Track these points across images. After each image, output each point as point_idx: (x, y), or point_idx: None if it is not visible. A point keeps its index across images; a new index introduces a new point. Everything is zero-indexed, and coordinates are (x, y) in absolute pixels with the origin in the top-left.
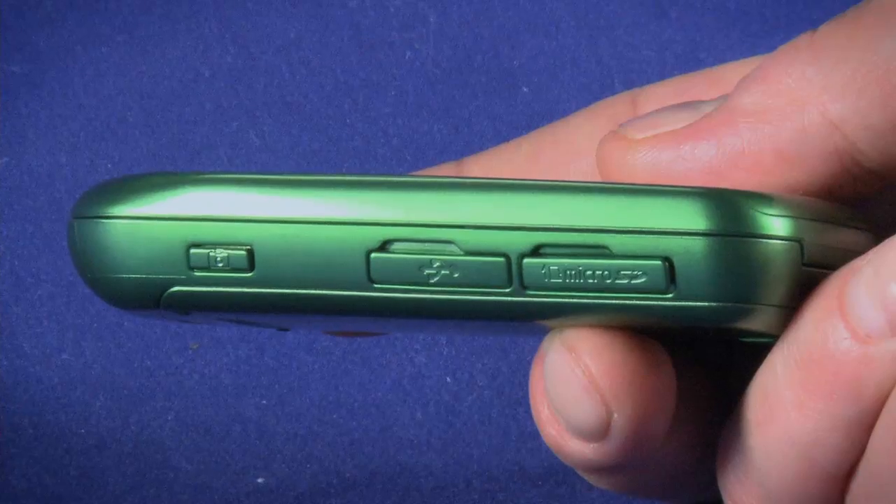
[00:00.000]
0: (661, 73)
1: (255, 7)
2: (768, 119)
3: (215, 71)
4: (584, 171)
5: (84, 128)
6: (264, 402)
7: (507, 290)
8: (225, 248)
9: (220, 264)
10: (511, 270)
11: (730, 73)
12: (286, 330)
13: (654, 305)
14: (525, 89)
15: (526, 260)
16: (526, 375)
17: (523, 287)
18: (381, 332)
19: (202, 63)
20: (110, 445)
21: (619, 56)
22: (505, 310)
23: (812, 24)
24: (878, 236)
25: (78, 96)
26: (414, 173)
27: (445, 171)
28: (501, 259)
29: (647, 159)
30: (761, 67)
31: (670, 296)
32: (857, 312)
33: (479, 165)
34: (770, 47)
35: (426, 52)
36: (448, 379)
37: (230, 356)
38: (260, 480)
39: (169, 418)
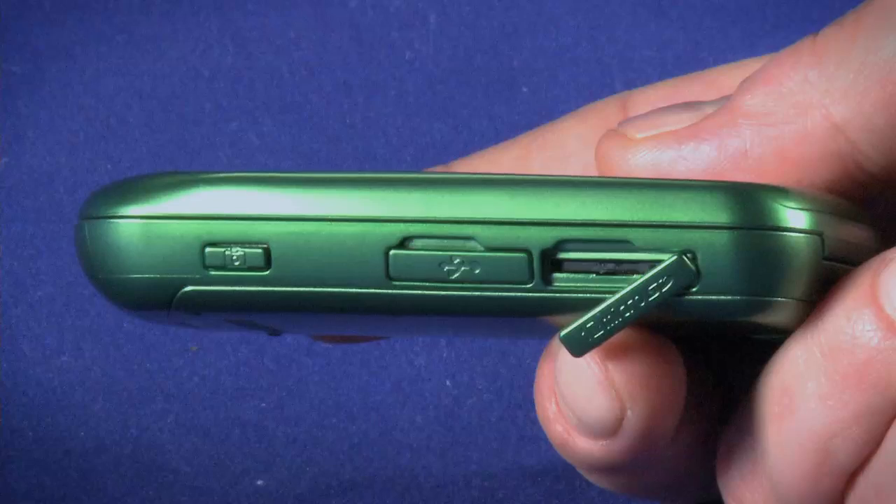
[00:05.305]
0: (661, 73)
1: (255, 7)
2: (771, 121)
3: (215, 71)
4: (575, 174)
5: (84, 128)
6: (264, 404)
7: (529, 286)
8: (241, 247)
9: (237, 263)
10: (532, 266)
11: (723, 76)
12: (277, 334)
13: (676, 300)
14: (525, 89)
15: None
16: (525, 378)
17: (545, 282)
18: (390, 335)
19: (202, 63)
20: (110, 447)
21: (619, 56)
22: (526, 306)
23: (812, 23)
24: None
25: (78, 96)
26: None
27: None
28: (523, 254)
29: (647, 159)
30: (763, 70)
31: (693, 290)
32: (889, 303)
33: (468, 169)
34: (770, 47)
35: (426, 52)
36: (447, 382)
37: (230, 358)
38: (259, 483)
39: (168, 420)
